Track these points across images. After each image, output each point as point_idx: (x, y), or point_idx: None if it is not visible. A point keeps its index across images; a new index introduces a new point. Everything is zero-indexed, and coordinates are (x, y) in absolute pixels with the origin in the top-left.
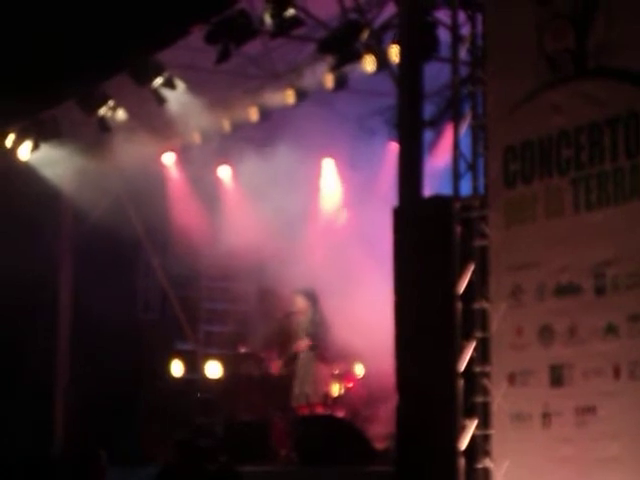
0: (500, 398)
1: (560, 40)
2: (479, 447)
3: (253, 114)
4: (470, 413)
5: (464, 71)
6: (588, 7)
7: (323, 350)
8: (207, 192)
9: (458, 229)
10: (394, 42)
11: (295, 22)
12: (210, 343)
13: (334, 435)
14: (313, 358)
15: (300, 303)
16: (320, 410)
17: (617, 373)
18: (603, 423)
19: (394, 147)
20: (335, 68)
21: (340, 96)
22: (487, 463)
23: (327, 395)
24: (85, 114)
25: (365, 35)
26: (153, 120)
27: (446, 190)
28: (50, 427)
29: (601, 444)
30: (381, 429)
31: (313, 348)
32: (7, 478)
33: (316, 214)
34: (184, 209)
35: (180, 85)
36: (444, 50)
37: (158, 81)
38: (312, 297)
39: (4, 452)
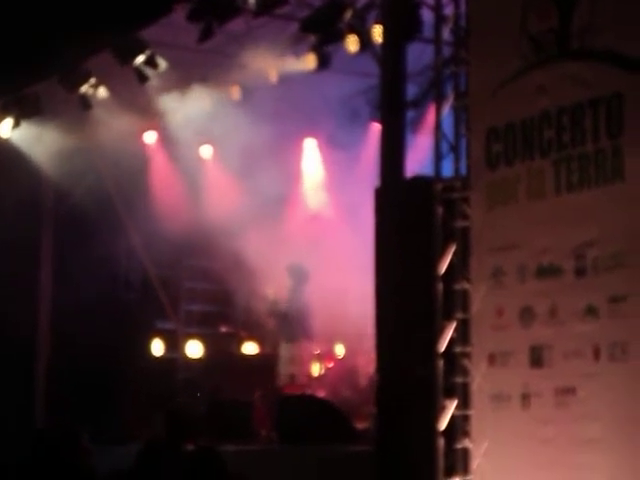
0: (480, 378)
1: (544, 20)
2: (458, 427)
3: (235, 93)
4: (450, 393)
5: (447, 51)
6: None
7: (298, 330)
8: (189, 171)
9: (439, 210)
10: (377, 22)
11: (278, 1)
12: (191, 322)
13: (314, 415)
14: (293, 338)
15: (285, 280)
16: (302, 390)
17: (597, 354)
18: (583, 404)
19: (376, 127)
20: (317, 48)
21: (322, 76)
22: (466, 443)
23: (305, 375)
24: (67, 91)
25: (348, 15)
26: (135, 98)
27: (428, 171)
28: (31, 408)
29: (581, 425)
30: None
31: (286, 328)
32: None
33: (298, 194)
34: (166, 188)
35: (162, 63)
36: (427, 30)
37: (140, 59)
38: (299, 274)
39: None
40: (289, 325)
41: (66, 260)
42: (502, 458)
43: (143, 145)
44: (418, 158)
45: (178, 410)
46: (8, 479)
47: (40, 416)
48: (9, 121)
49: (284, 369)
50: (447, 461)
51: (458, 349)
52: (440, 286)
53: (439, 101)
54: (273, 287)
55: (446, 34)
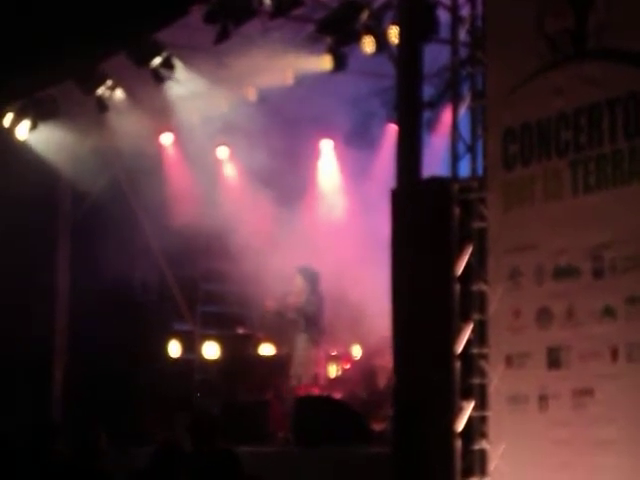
0: (497, 380)
1: (560, 20)
2: (476, 429)
3: (251, 94)
4: (467, 395)
5: (464, 52)
6: None
7: (318, 331)
8: (205, 172)
9: (456, 211)
10: (394, 23)
11: (294, 2)
12: (208, 324)
13: (331, 416)
14: (309, 340)
15: (299, 282)
16: (315, 391)
17: (615, 355)
18: (600, 406)
19: (393, 129)
20: (334, 49)
21: (339, 77)
22: (484, 445)
23: (318, 377)
24: (83, 93)
25: (364, 16)
26: (151, 100)
27: (444, 171)
28: (48, 409)
29: (598, 427)
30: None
31: (308, 329)
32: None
33: (314, 194)
34: (182, 189)
35: (178, 65)
36: (444, 31)
37: (156, 61)
38: (311, 277)
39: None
40: (311, 326)
41: (83, 261)
42: (519, 460)
43: (159, 146)
44: (434, 159)
45: (204, 416)
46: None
47: (57, 417)
48: (26, 123)
49: (300, 371)
50: (464, 463)
51: (475, 350)
52: (457, 287)
53: (456, 102)
54: (292, 289)
55: (463, 35)
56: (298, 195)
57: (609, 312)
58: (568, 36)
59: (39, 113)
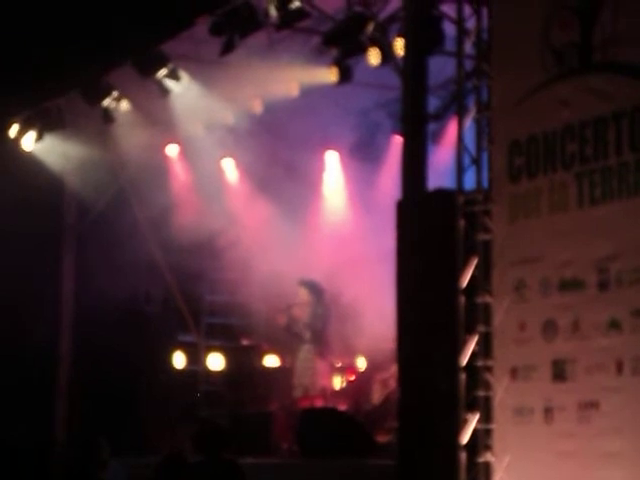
0: (502, 392)
1: (566, 33)
2: (481, 441)
3: (257, 106)
4: (472, 407)
5: (469, 65)
6: (594, 0)
7: (324, 343)
8: (210, 184)
9: (461, 223)
10: (399, 35)
11: (300, 14)
12: (212, 335)
13: (336, 428)
14: (313, 351)
15: (303, 295)
16: (319, 402)
17: (620, 368)
18: (606, 418)
19: (398, 140)
20: (339, 61)
21: (344, 89)
22: (488, 457)
23: (325, 388)
24: (89, 105)
25: (370, 28)
26: (157, 111)
27: (450, 184)
28: (52, 419)
29: (603, 439)
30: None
31: (313, 341)
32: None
33: (319, 206)
34: (187, 201)
35: (184, 76)
36: (449, 44)
37: (162, 72)
38: (316, 289)
39: (5, 441)
40: (316, 338)
41: (88, 273)
42: (524, 472)
43: (165, 158)
44: (440, 171)
45: (206, 425)
46: None
47: (61, 427)
48: (32, 134)
49: (304, 382)
50: (469, 475)
51: (480, 363)
52: (462, 299)
53: (461, 114)
54: (296, 301)
55: (468, 47)
56: (303, 207)
57: (615, 325)
58: (574, 48)
59: (45, 124)
